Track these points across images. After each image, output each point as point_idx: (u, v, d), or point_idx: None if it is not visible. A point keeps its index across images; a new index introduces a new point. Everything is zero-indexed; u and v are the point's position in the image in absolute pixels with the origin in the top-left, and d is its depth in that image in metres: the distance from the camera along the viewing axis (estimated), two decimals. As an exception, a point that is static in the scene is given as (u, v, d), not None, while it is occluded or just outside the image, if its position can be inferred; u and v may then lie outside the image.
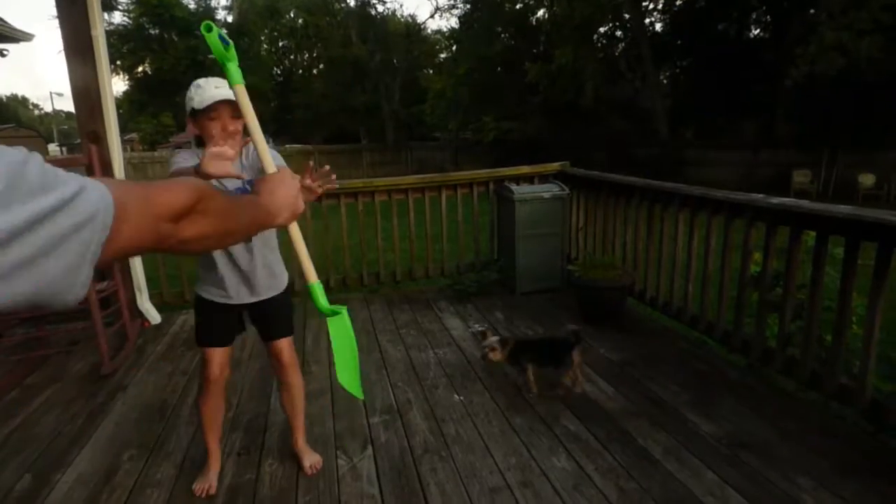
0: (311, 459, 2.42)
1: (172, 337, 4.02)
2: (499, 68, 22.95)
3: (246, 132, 1.77)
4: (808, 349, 2.74)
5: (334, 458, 2.48)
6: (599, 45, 21.14)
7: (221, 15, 29.72)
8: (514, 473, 2.31)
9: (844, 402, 2.61)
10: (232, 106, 1.86)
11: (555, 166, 5.08)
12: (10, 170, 0.44)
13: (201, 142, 1.97)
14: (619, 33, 21.40)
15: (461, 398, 2.98)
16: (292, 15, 31.11)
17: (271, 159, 1.31)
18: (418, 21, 43.82)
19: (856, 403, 2.52)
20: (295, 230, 1.29)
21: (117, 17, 25.31)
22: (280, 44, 32.47)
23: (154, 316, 4.29)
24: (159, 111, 30.33)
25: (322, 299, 1.40)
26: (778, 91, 15.24)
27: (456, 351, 3.59)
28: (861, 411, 2.51)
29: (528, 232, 4.54)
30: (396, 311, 4.44)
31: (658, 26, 21.38)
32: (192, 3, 27.21)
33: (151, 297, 4.35)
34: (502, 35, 23.53)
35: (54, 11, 3.69)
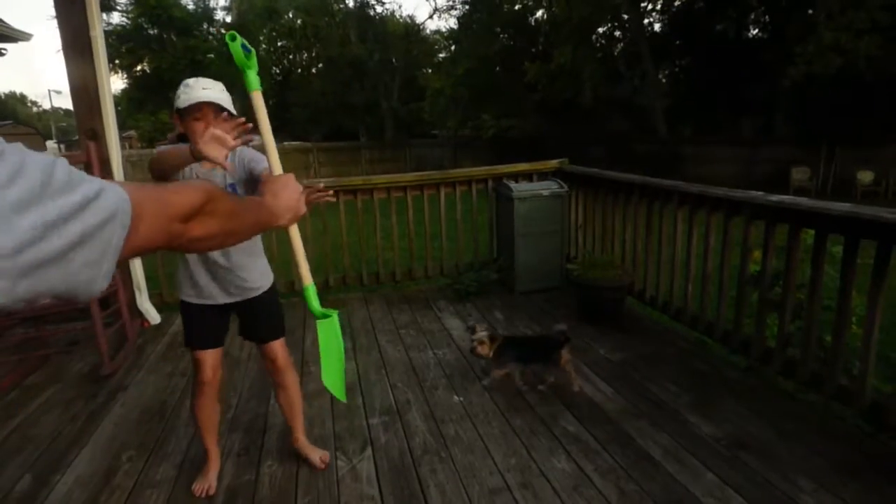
0: (318, 454, 2.43)
1: (172, 337, 4.01)
2: (497, 68, 22.94)
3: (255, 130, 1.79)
4: (808, 349, 2.74)
5: (334, 459, 2.48)
6: (598, 44, 21.11)
7: (220, 15, 29.65)
8: (513, 474, 2.31)
9: (844, 403, 2.61)
10: (216, 108, 1.88)
11: (553, 164, 5.08)
12: (42, 171, 0.49)
13: (185, 139, 1.99)
14: (617, 33, 21.40)
15: (461, 399, 2.98)
16: (291, 15, 31.04)
17: (279, 163, 1.34)
18: (417, 21, 43.77)
19: (856, 404, 2.52)
20: (294, 232, 1.33)
21: (116, 18, 25.26)
22: (279, 43, 32.40)
23: (154, 316, 4.28)
24: (158, 109, 30.22)
25: (314, 302, 1.44)
26: (776, 90, 15.23)
27: (455, 351, 3.59)
28: (861, 412, 2.51)
29: (527, 230, 4.54)
30: (396, 310, 4.44)
31: (657, 26, 21.38)
32: (191, 3, 27.14)
33: (151, 297, 4.35)
34: (501, 35, 23.52)
35: (53, 12, 3.68)
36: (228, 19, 29.05)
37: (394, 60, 29.49)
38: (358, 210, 4.72)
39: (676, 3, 19.91)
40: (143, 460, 2.52)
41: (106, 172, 3.74)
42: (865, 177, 13.32)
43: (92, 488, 2.33)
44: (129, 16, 25.01)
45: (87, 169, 3.55)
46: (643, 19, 19.88)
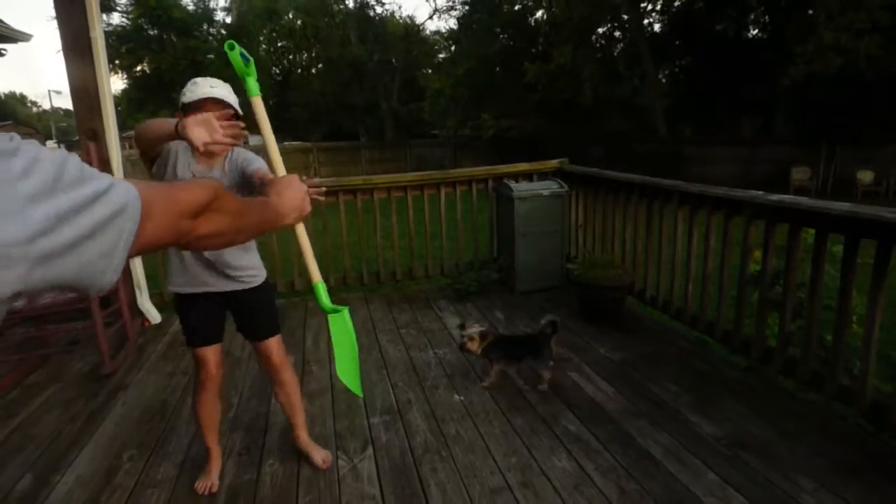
0: (320, 454, 2.42)
1: (173, 336, 4.01)
2: (497, 68, 22.93)
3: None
4: (809, 349, 2.74)
5: (335, 459, 2.48)
6: (598, 45, 21.11)
7: (220, 16, 29.64)
8: (514, 474, 2.31)
9: (845, 403, 2.61)
10: (221, 105, 1.89)
11: (554, 163, 5.08)
12: (55, 165, 0.52)
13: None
14: (617, 33, 21.39)
15: (461, 398, 2.98)
16: (291, 16, 31.05)
17: (282, 163, 1.37)
18: (417, 22, 43.79)
19: (857, 404, 2.52)
20: (301, 231, 1.37)
21: (116, 18, 25.26)
22: (279, 44, 32.40)
23: (154, 315, 4.29)
24: (158, 109, 30.24)
25: (325, 298, 1.48)
26: (777, 89, 15.24)
27: (456, 351, 3.58)
28: (862, 411, 2.51)
29: (527, 230, 4.54)
30: (396, 310, 4.44)
31: (657, 26, 21.38)
32: (191, 4, 27.13)
33: (151, 297, 4.35)
34: (501, 35, 23.50)
35: (53, 12, 3.68)
36: (228, 20, 29.05)
37: (394, 61, 29.48)
38: (358, 210, 4.72)
39: (676, 4, 19.91)
40: (143, 460, 2.52)
41: (106, 172, 3.73)
42: (866, 176, 13.32)
43: (93, 488, 2.33)
44: (129, 16, 25.00)
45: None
46: (643, 19, 19.88)
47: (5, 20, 8.07)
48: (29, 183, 0.49)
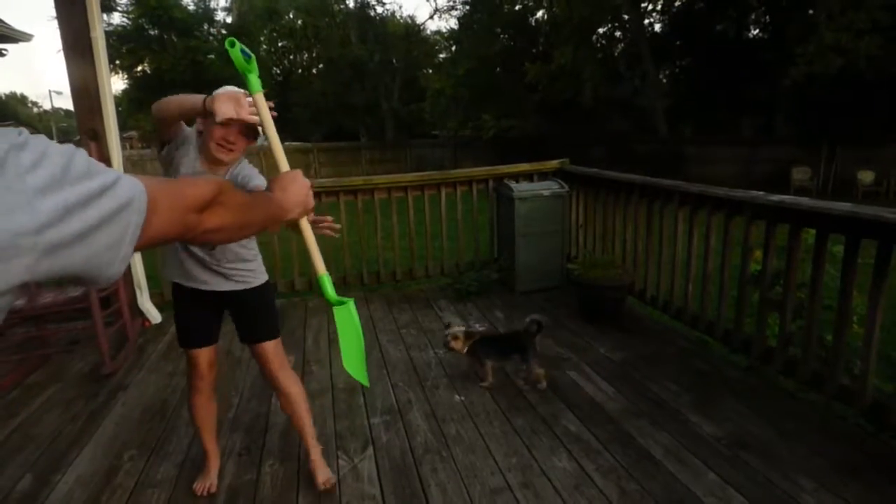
0: (324, 475, 2.28)
1: (173, 336, 3.98)
2: (498, 68, 22.95)
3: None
4: (809, 349, 2.74)
5: (335, 459, 2.48)
6: (599, 45, 21.12)
7: (221, 16, 29.67)
8: (514, 474, 2.31)
9: (846, 403, 2.61)
10: (245, 125, 1.85)
11: (554, 164, 5.09)
12: (63, 159, 0.54)
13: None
14: (618, 34, 21.39)
15: (462, 398, 2.98)
16: (291, 16, 31.06)
17: (285, 159, 1.37)
18: (417, 22, 43.78)
19: (857, 404, 2.52)
20: (305, 225, 1.38)
21: (116, 18, 25.28)
22: (279, 44, 32.41)
23: (154, 315, 4.29)
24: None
25: (330, 290, 1.46)
26: (777, 89, 15.24)
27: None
28: (862, 411, 2.51)
29: (527, 230, 4.54)
30: (396, 310, 4.44)
31: (657, 27, 21.38)
32: (192, 4, 27.15)
33: (152, 297, 4.35)
34: (502, 36, 23.52)
35: (53, 12, 3.68)
36: (229, 20, 29.09)
37: (394, 61, 29.50)
38: (358, 210, 4.72)
39: (677, 4, 19.92)
40: (144, 460, 2.52)
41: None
42: (866, 177, 13.32)
43: (93, 488, 2.33)
44: (130, 16, 25.02)
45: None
46: (643, 20, 19.89)
47: (6, 20, 8.08)
48: (37, 175, 0.50)
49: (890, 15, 11.89)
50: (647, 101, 19.63)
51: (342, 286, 4.90)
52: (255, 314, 2.19)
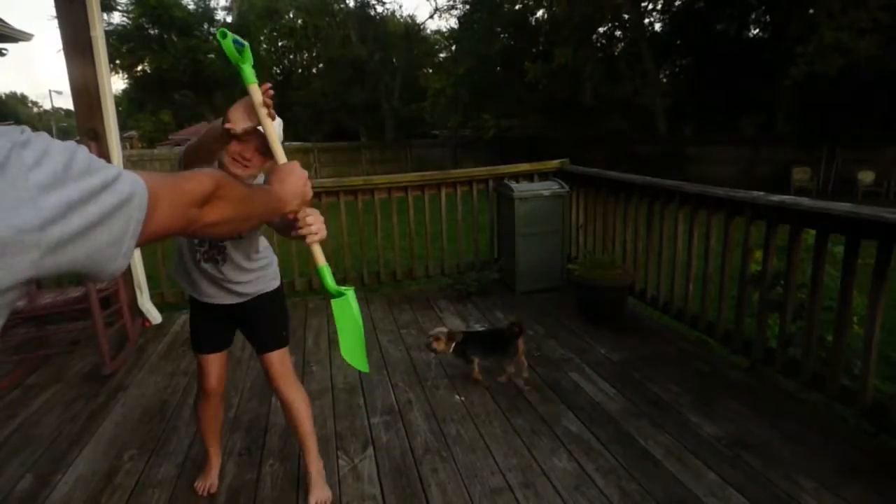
0: (317, 497, 2.18)
1: (173, 336, 4.01)
2: (498, 68, 22.95)
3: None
4: (809, 349, 2.74)
5: (335, 459, 2.48)
6: (599, 44, 21.11)
7: (221, 16, 29.67)
8: (515, 474, 2.31)
9: (846, 403, 2.61)
10: (262, 143, 1.72)
11: (554, 164, 5.08)
12: (64, 156, 0.55)
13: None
14: (618, 33, 21.39)
15: (462, 398, 2.98)
16: (291, 15, 31.07)
17: (283, 152, 1.36)
18: (418, 21, 43.78)
19: (857, 404, 2.51)
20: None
21: (116, 18, 25.28)
22: (279, 44, 32.42)
23: (155, 315, 4.29)
24: (158, 109, 30.27)
25: (329, 280, 1.48)
26: (777, 89, 15.23)
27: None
28: (862, 412, 2.51)
29: (527, 230, 4.54)
30: (397, 310, 4.44)
31: (657, 26, 21.39)
32: (192, 3, 27.16)
33: (152, 297, 4.35)
34: (502, 35, 23.50)
35: (53, 12, 3.68)
36: (229, 19, 29.09)
37: (394, 60, 29.50)
38: (359, 210, 4.72)
39: (677, 3, 19.92)
40: (144, 460, 2.52)
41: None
42: (866, 177, 13.31)
43: (93, 488, 2.33)
44: (130, 16, 25.03)
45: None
46: (643, 19, 19.89)
47: (6, 20, 8.07)
48: (40, 172, 0.51)
49: (890, 14, 11.88)
50: (647, 100, 19.62)
51: (342, 286, 4.89)
52: (265, 322, 2.14)
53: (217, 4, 41.62)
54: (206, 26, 27.04)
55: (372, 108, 29.02)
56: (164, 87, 26.81)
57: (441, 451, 2.50)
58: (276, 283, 2.17)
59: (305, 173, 1.20)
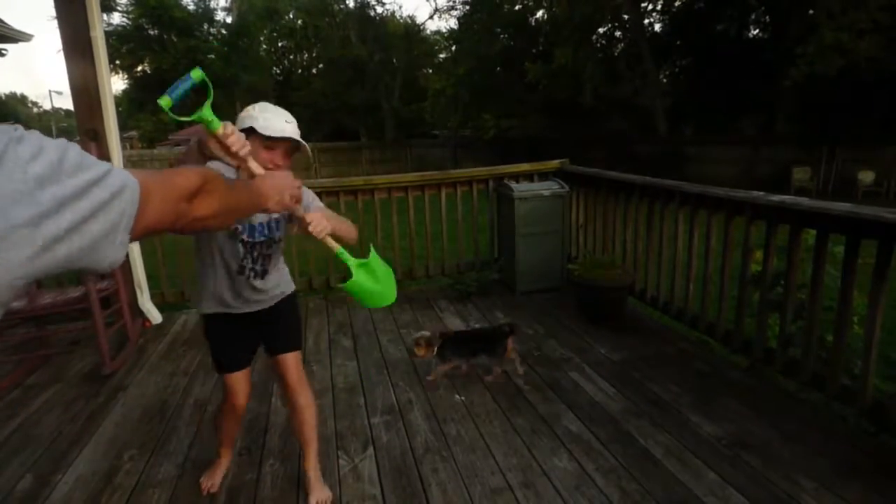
0: (317, 496, 2.19)
1: (173, 336, 4.01)
2: (498, 68, 22.96)
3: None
4: (809, 349, 2.74)
5: (335, 459, 2.48)
6: (599, 45, 21.12)
7: (221, 16, 29.69)
8: (515, 474, 2.31)
9: (846, 403, 2.61)
10: (290, 146, 1.80)
11: (554, 164, 5.08)
12: (58, 152, 0.56)
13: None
14: (618, 34, 21.39)
15: (462, 398, 2.98)
16: (291, 16, 31.08)
17: (261, 168, 1.48)
18: (417, 22, 43.79)
19: (857, 404, 2.51)
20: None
21: (116, 18, 25.30)
22: (279, 44, 32.42)
23: (155, 315, 4.29)
24: (158, 110, 30.20)
25: (349, 258, 1.66)
26: (778, 89, 15.23)
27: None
28: (863, 412, 2.51)
29: (527, 230, 4.54)
30: (397, 310, 4.44)
31: (657, 26, 21.39)
32: (192, 3, 27.16)
33: (152, 297, 4.35)
34: (502, 35, 23.52)
35: (53, 12, 3.68)
36: (229, 20, 29.09)
37: (394, 61, 29.50)
38: (359, 210, 4.72)
39: (677, 3, 19.92)
40: (144, 460, 2.52)
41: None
42: (866, 177, 13.30)
43: (93, 488, 2.33)
44: (130, 16, 25.06)
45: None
46: (643, 19, 19.89)
47: (6, 20, 8.06)
48: (37, 166, 0.52)
49: (890, 15, 11.88)
50: (647, 100, 19.62)
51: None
52: (282, 323, 2.14)
53: (217, 5, 41.65)
54: (205, 27, 27.06)
55: (372, 108, 29.02)
56: (165, 87, 26.67)
57: (441, 451, 2.50)
58: (293, 285, 2.21)
59: (296, 182, 1.27)
